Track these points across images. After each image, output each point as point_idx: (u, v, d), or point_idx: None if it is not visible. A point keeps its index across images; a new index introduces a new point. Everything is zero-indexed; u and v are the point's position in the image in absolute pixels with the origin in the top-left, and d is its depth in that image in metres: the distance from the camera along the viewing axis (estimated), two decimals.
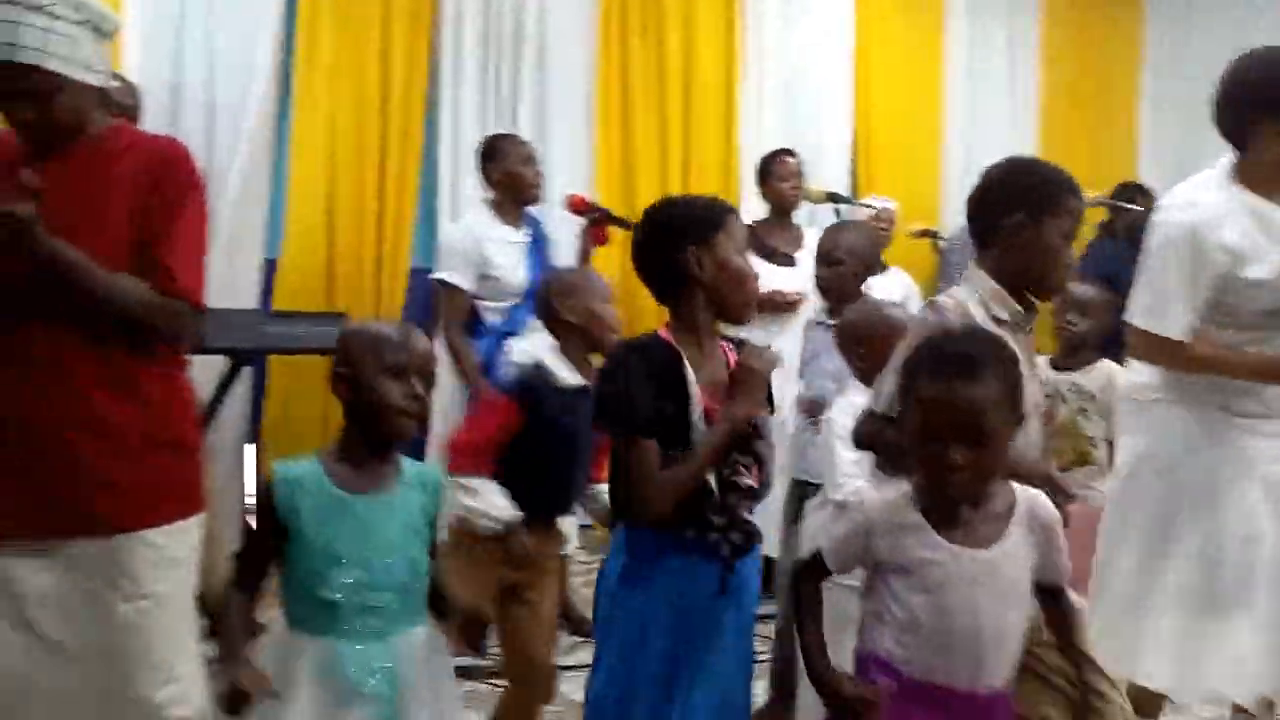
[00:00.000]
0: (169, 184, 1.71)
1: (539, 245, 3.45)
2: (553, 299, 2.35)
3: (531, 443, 2.24)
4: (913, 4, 5.09)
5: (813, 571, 1.63)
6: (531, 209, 3.51)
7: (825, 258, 2.82)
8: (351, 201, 4.16)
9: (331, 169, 4.15)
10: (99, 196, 1.68)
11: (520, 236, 3.40)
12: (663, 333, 1.77)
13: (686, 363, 1.72)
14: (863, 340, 2.37)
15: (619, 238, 3.50)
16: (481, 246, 3.34)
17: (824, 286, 2.84)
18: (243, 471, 3.88)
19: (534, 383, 2.27)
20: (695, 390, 1.71)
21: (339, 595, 1.57)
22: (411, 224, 4.27)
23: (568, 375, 2.29)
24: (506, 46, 4.42)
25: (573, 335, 2.33)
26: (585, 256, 3.41)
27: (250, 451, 3.95)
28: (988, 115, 5.21)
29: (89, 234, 1.64)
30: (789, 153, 3.99)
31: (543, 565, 2.31)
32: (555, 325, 2.35)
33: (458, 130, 4.31)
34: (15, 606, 1.67)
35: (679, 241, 1.74)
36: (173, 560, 1.76)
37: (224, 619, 1.62)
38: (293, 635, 1.62)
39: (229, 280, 3.76)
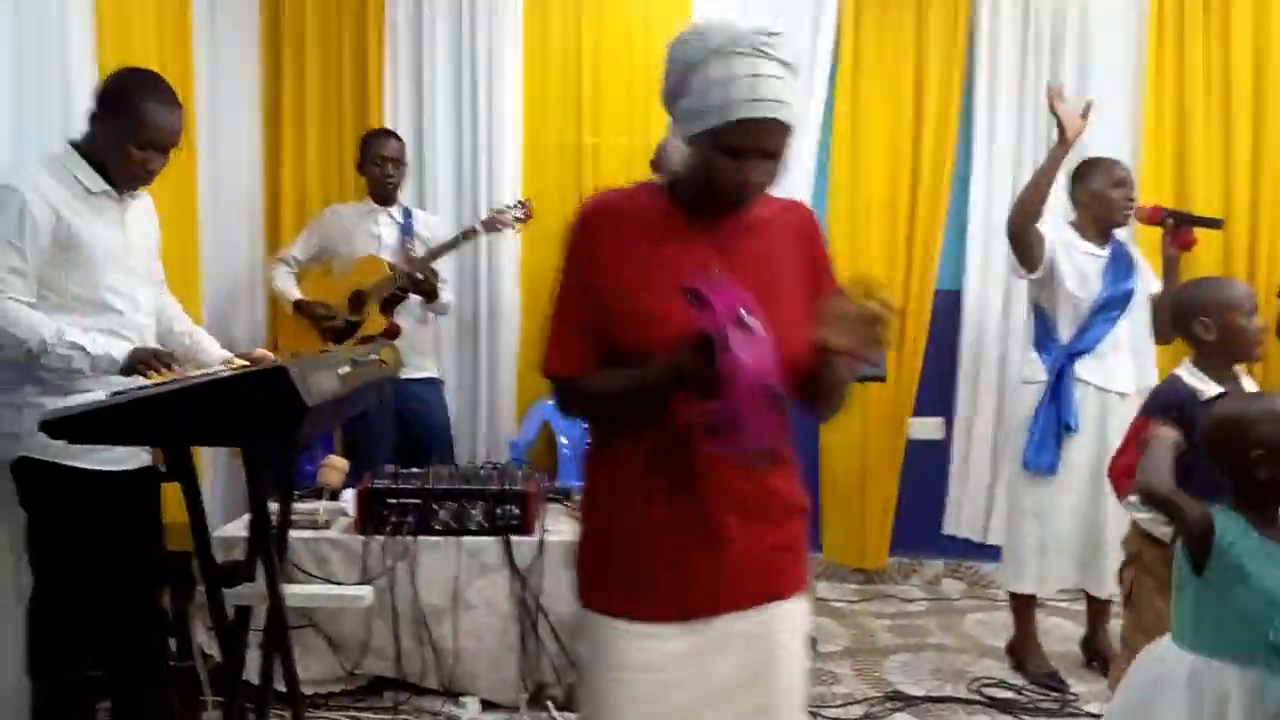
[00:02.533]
0: (818, 246, 1.63)
1: (1117, 261, 3.32)
2: (1185, 316, 2.38)
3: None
4: None
5: None
6: (1116, 231, 3.38)
7: None
8: (880, 228, 4.26)
9: (863, 201, 4.25)
10: (776, 264, 1.56)
11: (1102, 253, 3.31)
12: None
13: None
14: None
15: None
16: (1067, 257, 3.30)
17: None
18: None
19: (1177, 399, 2.27)
20: None
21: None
22: (940, 243, 4.25)
23: (1203, 387, 2.28)
24: (1045, 47, 4.21)
25: (1209, 349, 2.33)
26: (1172, 265, 3.26)
27: None
28: None
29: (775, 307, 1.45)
30: None
31: None
32: (1190, 340, 2.39)
33: (992, 136, 4.22)
34: None
35: None
36: None
37: None
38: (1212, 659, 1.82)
39: None
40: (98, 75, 2.77)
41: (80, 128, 2.44)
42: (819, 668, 3.41)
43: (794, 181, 4.14)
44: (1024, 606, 3.41)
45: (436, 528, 2.97)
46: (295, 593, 2.47)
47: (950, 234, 4.30)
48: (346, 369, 2.14)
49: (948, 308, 4.29)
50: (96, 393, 2.10)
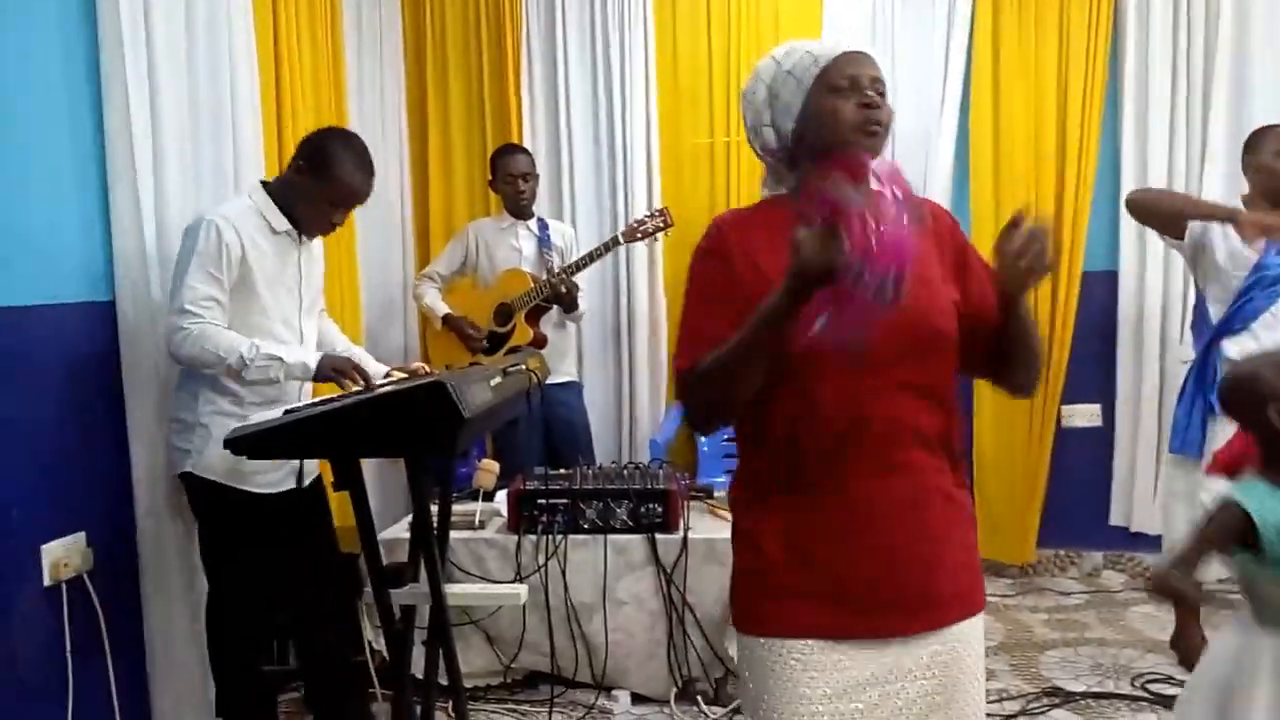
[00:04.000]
0: (958, 233, 1.62)
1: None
2: None
3: None
4: None
5: None
6: None
7: None
8: (1026, 199, 4.11)
9: (999, 177, 4.16)
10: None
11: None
12: None
13: None
14: None
15: None
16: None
17: None
18: None
19: None
20: None
21: None
22: (1086, 224, 4.15)
23: None
24: (1197, 24, 4.02)
25: None
26: None
27: None
28: None
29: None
30: None
31: None
32: None
33: (1143, 129, 4.07)
34: None
35: None
36: None
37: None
38: (1256, 630, 1.78)
39: None
40: (258, 100, 3.00)
41: (244, 152, 2.62)
42: None
43: (935, 169, 4.12)
44: None
45: (584, 526, 3.08)
46: (455, 592, 2.60)
47: (1102, 215, 4.14)
48: (498, 380, 2.26)
49: (1101, 289, 4.14)
50: (274, 410, 2.29)
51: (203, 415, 2.53)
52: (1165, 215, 3.25)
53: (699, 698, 3.03)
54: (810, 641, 1.43)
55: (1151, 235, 3.86)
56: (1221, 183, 3.84)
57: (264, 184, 2.64)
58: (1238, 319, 3.11)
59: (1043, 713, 3.01)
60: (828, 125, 1.44)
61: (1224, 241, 3.13)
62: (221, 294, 2.46)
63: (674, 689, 3.05)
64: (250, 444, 2.09)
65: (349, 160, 2.53)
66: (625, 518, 3.08)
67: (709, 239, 1.52)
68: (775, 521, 1.47)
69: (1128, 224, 4.06)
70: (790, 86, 1.47)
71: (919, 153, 4.15)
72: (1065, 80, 4.10)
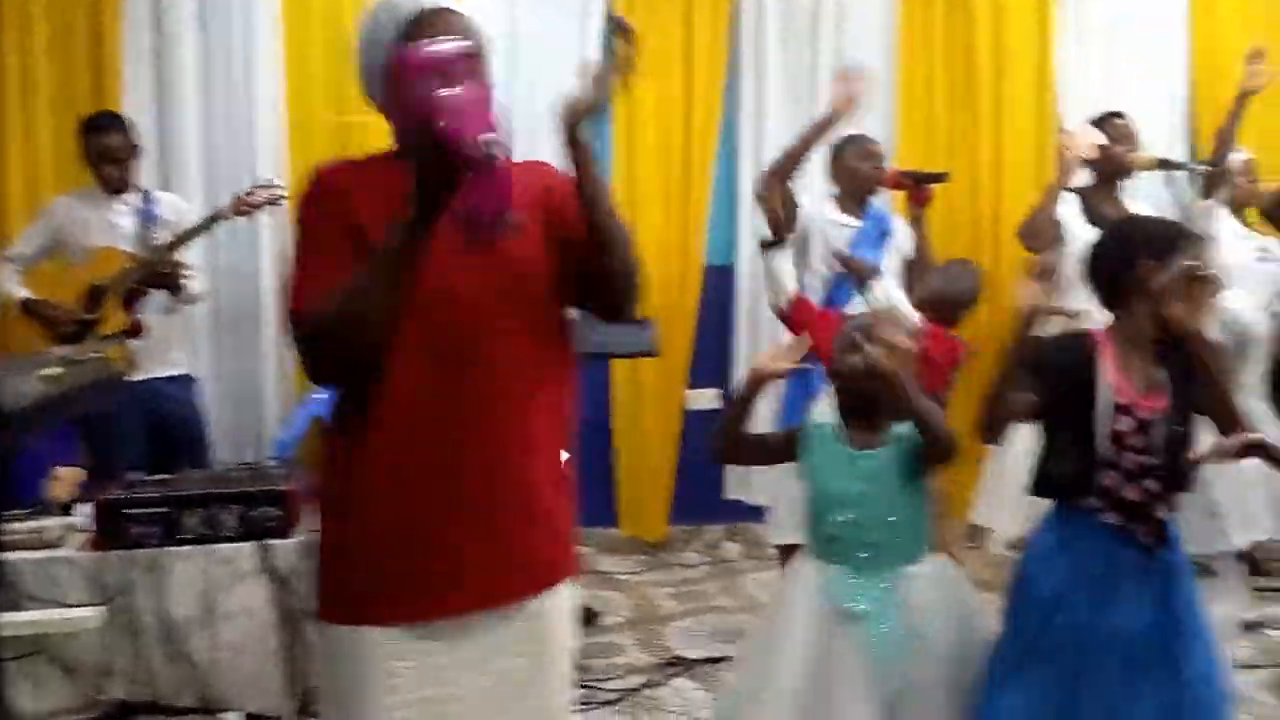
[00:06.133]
0: (558, 179, 1.59)
1: (869, 232, 3.45)
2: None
3: None
4: None
5: None
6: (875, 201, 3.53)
7: None
8: (653, 201, 4.27)
9: (632, 168, 4.25)
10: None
11: (855, 223, 3.45)
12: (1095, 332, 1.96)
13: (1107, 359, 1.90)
14: None
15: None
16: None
17: None
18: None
19: None
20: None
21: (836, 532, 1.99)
22: (706, 222, 4.32)
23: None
24: (804, 24, 4.36)
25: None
26: (918, 225, 3.42)
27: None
28: None
29: None
30: (1119, 114, 3.64)
31: None
32: None
33: (759, 126, 4.30)
34: None
35: (1134, 254, 1.90)
36: None
37: None
38: (810, 562, 2.05)
39: None
40: None
41: None
42: (601, 641, 3.46)
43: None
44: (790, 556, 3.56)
45: (186, 537, 2.80)
46: (12, 620, 2.26)
47: (720, 211, 4.39)
48: (55, 370, 1.96)
49: (721, 282, 4.39)
50: None
51: None
52: (777, 176, 3.35)
53: (319, 711, 2.86)
54: (394, 629, 1.39)
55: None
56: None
57: None
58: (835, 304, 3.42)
59: (665, 683, 3.15)
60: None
61: (820, 238, 3.41)
62: None
63: (293, 704, 2.86)
64: None
65: None
66: (234, 524, 2.83)
67: (310, 185, 1.46)
68: (363, 487, 1.40)
69: (744, 220, 4.34)
70: (374, 52, 1.45)
71: (554, 144, 4.19)
72: (690, 81, 4.29)
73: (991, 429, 1.97)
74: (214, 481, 2.95)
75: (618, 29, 1.46)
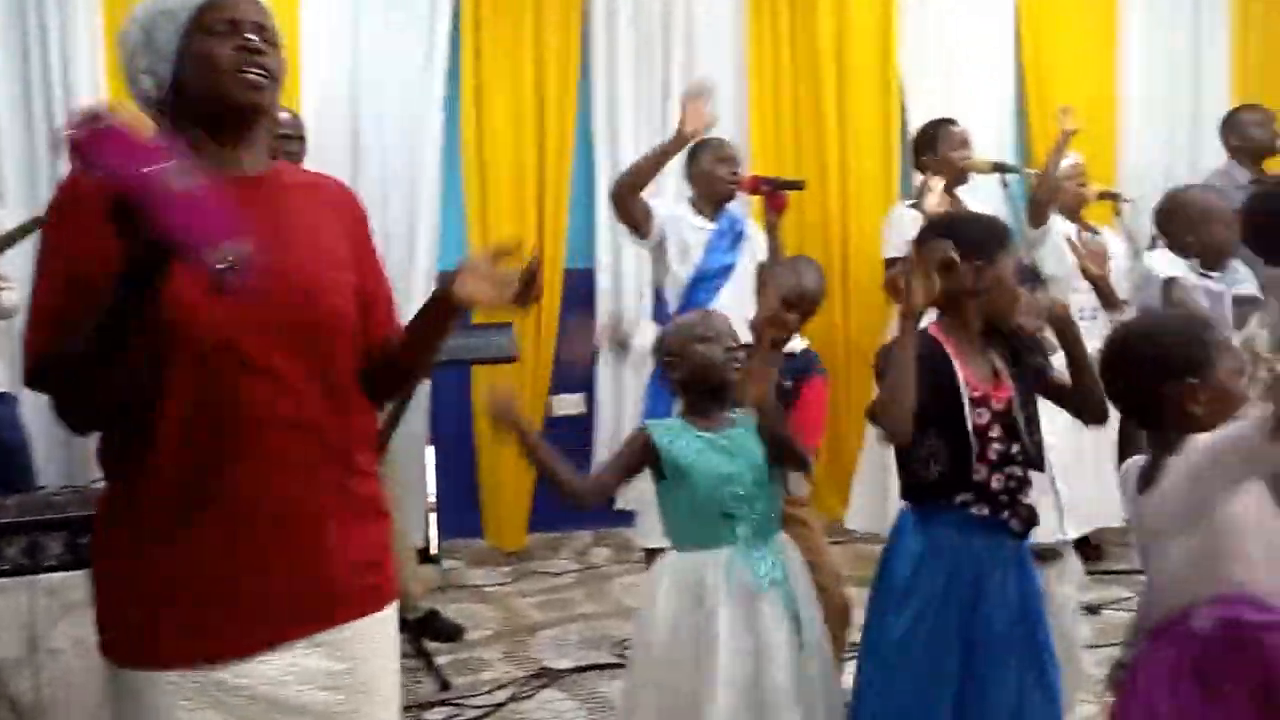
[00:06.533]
0: (364, 226, 1.54)
1: (723, 235, 3.50)
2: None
3: None
4: None
5: None
6: (731, 205, 3.57)
7: None
8: (510, 206, 4.23)
9: (486, 175, 4.22)
10: (308, 219, 1.46)
11: (711, 226, 3.49)
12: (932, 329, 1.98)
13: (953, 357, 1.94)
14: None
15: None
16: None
17: None
18: (425, 474, 4.10)
19: None
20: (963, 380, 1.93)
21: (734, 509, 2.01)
22: (566, 226, 4.30)
23: None
24: (656, 32, 4.39)
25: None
26: (773, 230, 3.44)
27: (430, 454, 4.12)
28: (1170, 67, 4.83)
29: None
30: (953, 121, 3.87)
31: None
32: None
33: (613, 130, 4.32)
34: None
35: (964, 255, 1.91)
36: None
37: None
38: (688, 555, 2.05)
39: (403, 291, 3.87)
40: None
41: None
42: (466, 656, 3.37)
43: (423, 166, 4.10)
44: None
45: (5, 568, 2.57)
46: None
47: (579, 213, 4.37)
48: None
49: (582, 286, 4.36)
50: None
51: None
52: (629, 188, 3.40)
53: None
54: (187, 672, 1.28)
55: (625, 234, 4.14)
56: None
57: None
58: (685, 311, 3.44)
59: (532, 695, 3.09)
60: (203, 71, 1.30)
61: (676, 240, 3.46)
62: None
63: None
64: None
65: None
66: (60, 552, 2.62)
67: (61, 194, 1.33)
68: (148, 525, 1.30)
69: (604, 222, 4.33)
70: (166, 28, 1.31)
71: (404, 148, 4.11)
72: (542, 87, 4.26)
73: (896, 430, 1.91)
74: (37, 507, 2.72)
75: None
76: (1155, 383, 1.70)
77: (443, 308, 1.41)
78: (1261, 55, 4.87)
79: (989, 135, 4.37)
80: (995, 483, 1.95)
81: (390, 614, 1.47)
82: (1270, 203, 2.85)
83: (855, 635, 2.31)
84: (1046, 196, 3.79)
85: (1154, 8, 4.84)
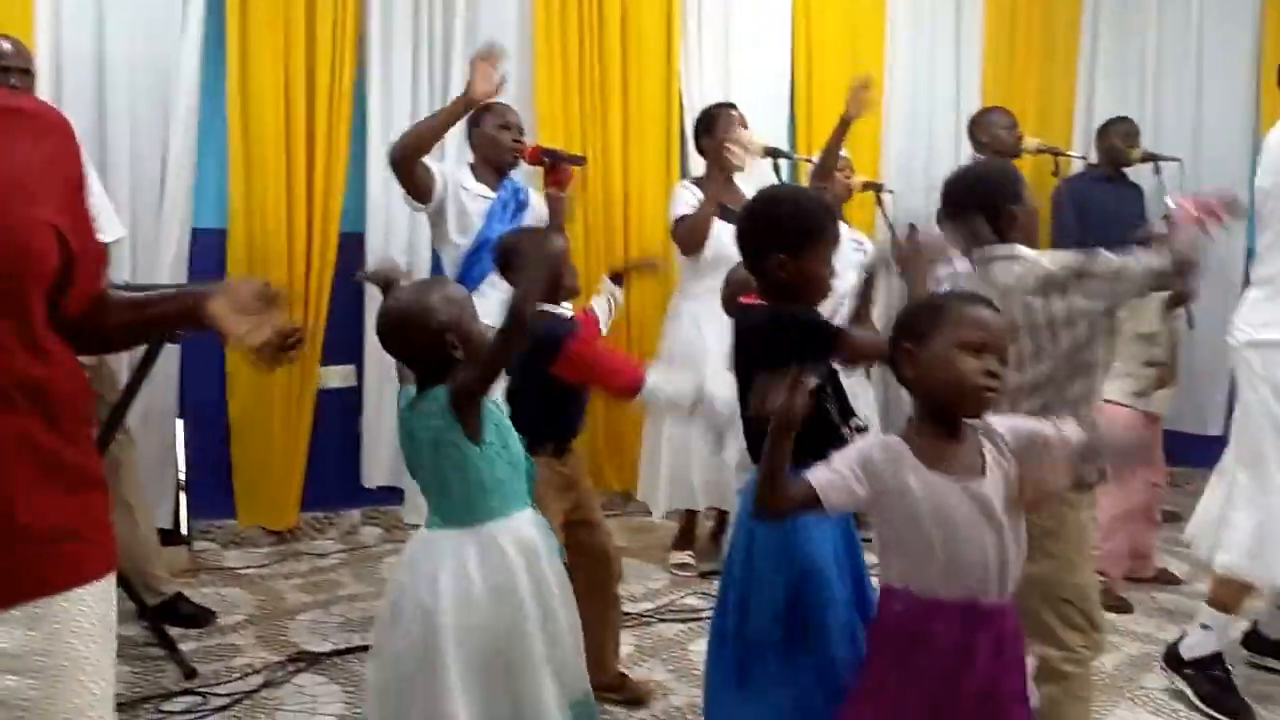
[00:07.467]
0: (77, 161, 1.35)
1: (505, 204, 3.44)
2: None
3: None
4: None
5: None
6: (513, 174, 3.53)
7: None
8: (276, 167, 4.00)
9: (257, 137, 3.98)
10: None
11: (492, 194, 3.42)
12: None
13: None
14: None
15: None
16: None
17: None
18: (173, 449, 3.89)
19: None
20: None
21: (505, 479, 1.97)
22: (342, 190, 4.12)
23: None
24: (437, 5, 4.26)
25: None
26: (554, 204, 3.40)
27: (180, 428, 3.91)
28: (931, 65, 5.14)
29: None
30: (732, 105, 3.92)
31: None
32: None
33: (388, 92, 4.20)
34: None
35: (772, 244, 1.97)
36: None
37: None
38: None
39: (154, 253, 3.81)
40: None
41: None
42: (215, 643, 3.16)
43: (175, 137, 3.81)
44: None
45: None
46: None
47: (353, 177, 4.18)
48: None
49: (353, 250, 4.16)
50: None
51: None
52: (410, 150, 3.26)
53: None
54: None
55: (397, 197, 3.95)
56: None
57: None
58: (466, 281, 3.32)
59: (287, 680, 2.92)
60: None
61: (455, 207, 3.37)
62: None
63: None
64: None
65: None
66: None
67: None
68: None
69: (375, 186, 4.15)
70: None
71: (158, 121, 3.82)
72: (313, 51, 4.02)
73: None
74: None
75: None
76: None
77: (187, 315, 1.32)
78: (1008, 57, 5.30)
79: (764, 119, 4.50)
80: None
81: (99, 591, 1.32)
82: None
83: None
84: (823, 183, 3.92)
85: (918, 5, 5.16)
